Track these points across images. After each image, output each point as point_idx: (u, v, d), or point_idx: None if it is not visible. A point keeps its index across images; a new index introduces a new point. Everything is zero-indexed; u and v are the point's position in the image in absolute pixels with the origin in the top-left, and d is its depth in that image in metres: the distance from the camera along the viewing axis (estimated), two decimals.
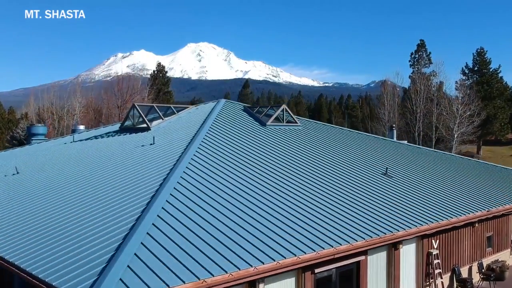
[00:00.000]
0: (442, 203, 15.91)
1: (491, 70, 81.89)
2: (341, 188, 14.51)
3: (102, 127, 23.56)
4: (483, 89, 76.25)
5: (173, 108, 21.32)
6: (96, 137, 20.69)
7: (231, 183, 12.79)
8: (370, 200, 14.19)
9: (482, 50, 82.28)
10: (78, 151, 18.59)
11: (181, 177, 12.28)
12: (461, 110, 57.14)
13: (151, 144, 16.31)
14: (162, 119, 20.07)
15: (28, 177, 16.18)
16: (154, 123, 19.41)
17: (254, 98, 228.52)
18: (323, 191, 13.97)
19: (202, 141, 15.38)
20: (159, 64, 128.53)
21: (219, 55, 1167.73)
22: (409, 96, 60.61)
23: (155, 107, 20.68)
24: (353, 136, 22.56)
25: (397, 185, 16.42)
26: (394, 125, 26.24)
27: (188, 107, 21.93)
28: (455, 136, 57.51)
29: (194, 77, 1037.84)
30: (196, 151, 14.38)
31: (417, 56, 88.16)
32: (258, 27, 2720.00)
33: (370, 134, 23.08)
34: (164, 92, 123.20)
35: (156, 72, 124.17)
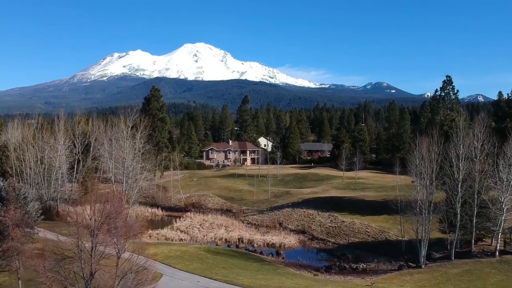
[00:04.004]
0: None
1: None
2: None
3: None
4: None
5: None
6: None
7: None
8: None
9: None
10: None
11: None
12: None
13: None
14: None
15: None
16: None
17: (253, 111, 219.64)
18: None
19: None
20: (153, 88, 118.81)
21: (215, 56, 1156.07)
22: (448, 159, 51.13)
23: None
24: None
25: None
26: None
27: None
28: (504, 209, 48.30)
29: (191, 77, 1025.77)
30: None
31: (443, 93, 79.01)
32: (255, 27, 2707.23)
33: None
34: (159, 118, 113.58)
35: (150, 96, 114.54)
